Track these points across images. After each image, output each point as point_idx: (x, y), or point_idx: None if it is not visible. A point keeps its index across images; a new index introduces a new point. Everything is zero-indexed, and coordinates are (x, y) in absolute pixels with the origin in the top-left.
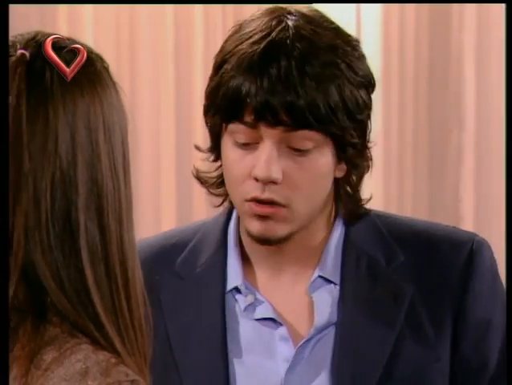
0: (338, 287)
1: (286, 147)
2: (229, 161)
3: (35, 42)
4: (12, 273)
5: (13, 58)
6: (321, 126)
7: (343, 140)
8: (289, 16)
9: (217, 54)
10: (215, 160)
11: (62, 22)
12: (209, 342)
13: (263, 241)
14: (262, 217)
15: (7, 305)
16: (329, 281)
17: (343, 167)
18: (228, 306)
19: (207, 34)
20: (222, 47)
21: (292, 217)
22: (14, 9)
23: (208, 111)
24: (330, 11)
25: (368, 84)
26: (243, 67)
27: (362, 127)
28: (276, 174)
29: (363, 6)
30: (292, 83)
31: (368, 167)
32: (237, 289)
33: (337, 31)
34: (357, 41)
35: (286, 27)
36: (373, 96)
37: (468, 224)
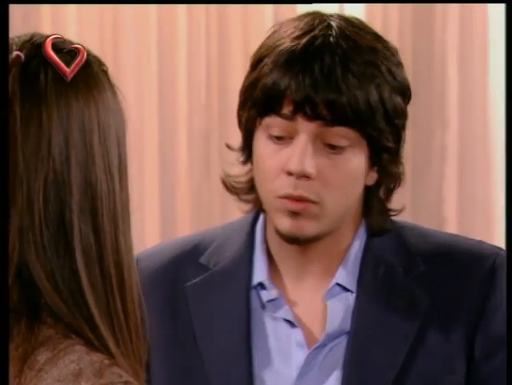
0: (354, 295)
1: (321, 144)
2: (262, 156)
3: (31, 44)
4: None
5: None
6: (359, 124)
7: (378, 143)
8: (331, 17)
9: (255, 52)
10: (245, 162)
11: (45, 22)
12: (233, 334)
13: (292, 239)
14: (293, 214)
15: (7, 305)
16: (346, 289)
17: (375, 175)
18: (252, 301)
19: (190, 35)
20: (261, 45)
21: (322, 216)
22: None
23: (243, 106)
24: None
25: (405, 92)
26: (284, 61)
27: (397, 134)
28: (310, 168)
29: (346, 6)
30: (335, 79)
31: (400, 180)
32: (261, 285)
33: (377, 36)
34: (395, 49)
35: (329, 26)
36: None
37: (451, 225)
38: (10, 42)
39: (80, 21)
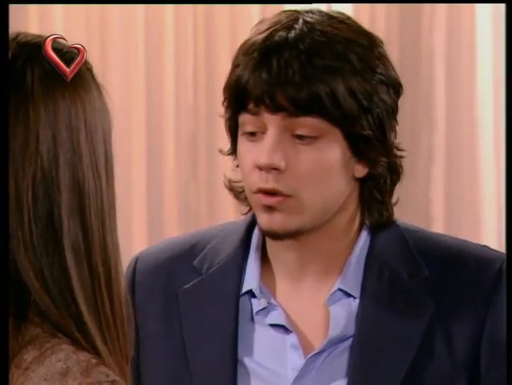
0: (357, 301)
1: (291, 136)
2: (240, 154)
3: (16, 43)
4: None
5: None
6: (323, 113)
7: (351, 132)
8: (307, 13)
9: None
10: (238, 165)
11: (32, 22)
12: (219, 342)
13: (272, 234)
14: (269, 209)
15: (7, 305)
16: (349, 295)
17: (363, 167)
18: (242, 309)
19: (178, 35)
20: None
21: (300, 209)
22: None
23: (224, 107)
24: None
25: (390, 83)
26: (246, 58)
27: (377, 122)
28: (278, 161)
29: (333, 5)
30: (292, 71)
31: (397, 172)
32: (252, 293)
33: (358, 29)
34: (379, 41)
35: (297, 21)
36: None
37: (438, 226)
38: None
39: (67, 21)
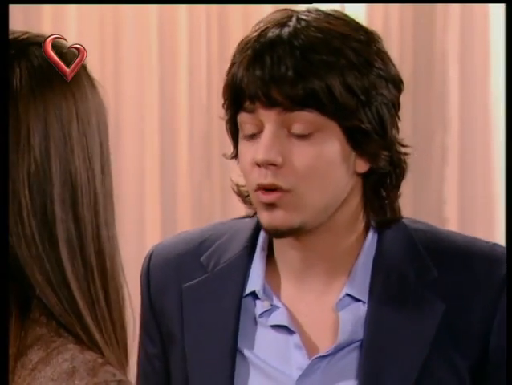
0: (366, 305)
1: (288, 132)
2: (240, 155)
3: None
4: None
5: None
6: (317, 105)
7: (348, 124)
8: (302, 12)
9: None
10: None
11: (46, 22)
12: (219, 342)
13: (274, 232)
14: (270, 206)
15: (7, 305)
16: (357, 300)
17: (364, 162)
18: (245, 310)
19: (191, 34)
20: None
21: (300, 205)
22: None
23: (224, 110)
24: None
25: (389, 78)
26: (240, 56)
27: (376, 115)
28: (274, 156)
29: (347, 6)
30: (285, 64)
31: (402, 168)
32: (255, 295)
33: (355, 25)
34: (377, 38)
35: (291, 19)
36: None
37: (452, 226)
38: None
39: (81, 21)
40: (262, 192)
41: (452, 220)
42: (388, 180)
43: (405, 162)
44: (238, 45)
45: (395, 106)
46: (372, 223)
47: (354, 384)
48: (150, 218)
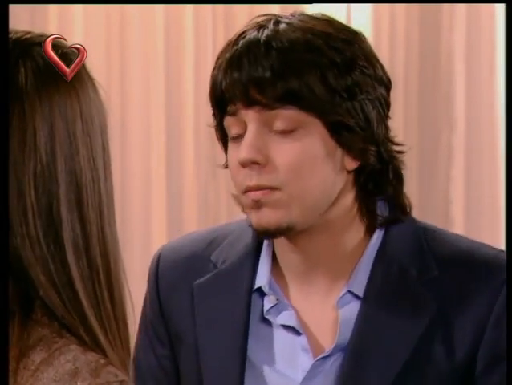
0: (361, 300)
1: (270, 130)
2: (228, 160)
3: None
4: None
5: None
6: (296, 102)
7: (329, 119)
8: (284, 16)
9: None
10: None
11: (52, 22)
12: (229, 340)
13: (263, 232)
14: (257, 204)
15: (7, 305)
16: (358, 297)
17: (351, 159)
18: (254, 306)
19: (197, 35)
20: None
21: (287, 203)
22: None
23: (213, 116)
24: (320, 12)
25: (373, 77)
26: (220, 59)
27: (359, 110)
28: (255, 154)
29: (353, 6)
30: (261, 66)
31: (391, 163)
32: (262, 290)
33: (339, 26)
34: (364, 37)
35: (269, 22)
36: None
37: (458, 226)
38: None
39: (87, 21)
40: (250, 192)
41: (458, 220)
42: (380, 178)
43: (398, 160)
44: (221, 50)
45: (381, 103)
46: (379, 221)
47: None
48: (156, 218)
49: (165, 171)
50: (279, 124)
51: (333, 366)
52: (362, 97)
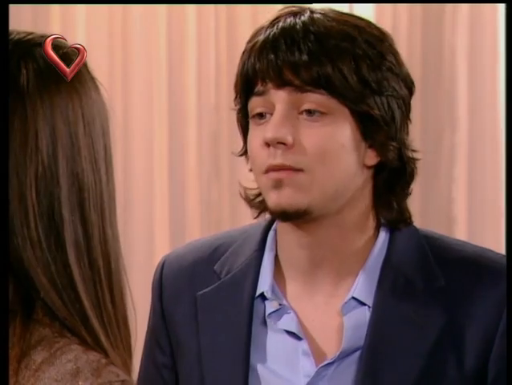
0: (371, 310)
1: (298, 114)
2: (250, 141)
3: (10, 41)
4: None
5: None
6: (328, 87)
7: (358, 108)
8: (312, 8)
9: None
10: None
11: (54, 22)
12: (233, 349)
13: (280, 213)
14: (278, 184)
15: (7, 305)
16: (362, 304)
17: (373, 154)
18: (256, 312)
19: (200, 35)
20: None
21: (310, 186)
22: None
23: (235, 101)
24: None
25: (400, 75)
26: (252, 43)
27: (385, 105)
28: (284, 134)
29: (355, 5)
30: (298, 49)
31: (408, 163)
32: (264, 296)
33: (369, 22)
34: (392, 39)
35: (305, 11)
36: None
37: (461, 226)
38: None
39: (89, 21)
40: (272, 171)
41: (460, 220)
42: (397, 177)
43: (414, 163)
44: (252, 36)
45: (405, 104)
46: (383, 221)
47: None
48: (159, 218)
49: (168, 171)
50: (308, 106)
51: (337, 371)
52: (389, 93)
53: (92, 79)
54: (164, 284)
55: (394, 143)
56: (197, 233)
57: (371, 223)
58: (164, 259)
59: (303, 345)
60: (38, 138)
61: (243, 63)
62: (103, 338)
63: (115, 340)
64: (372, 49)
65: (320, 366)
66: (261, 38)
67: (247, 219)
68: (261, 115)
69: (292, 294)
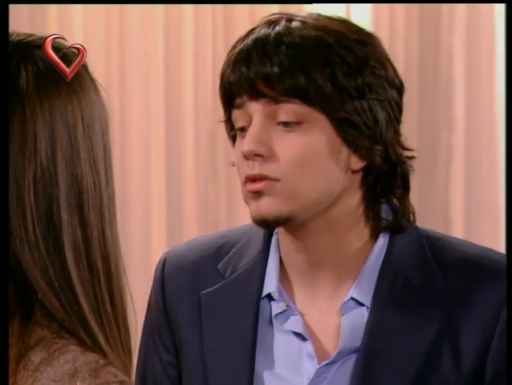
0: (369, 310)
1: (276, 124)
2: (235, 152)
3: (10, 42)
4: None
5: None
6: (303, 97)
7: (335, 115)
8: (298, 14)
9: None
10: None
11: (52, 22)
12: (237, 346)
13: (261, 222)
14: (256, 195)
15: (7, 305)
16: (361, 304)
17: (357, 158)
18: (262, 312)
19: (197, 35)
20: None
21: (289, 194)
22: None
23: (223, 114)
24: (320, 12)
25: (384, 78)
26: (230, 55)
27: (367, 109)
28: (258, 147)
29: (353, 6)
30: (270, 61)
31: (399, 166)
32: (271, 297)
33: (352, 26)
34: (377, 39)
35: (281, 20)
36: None
37: (458, 227)
38: None
39: (86, 21)
40: (250, 183)
41: (457, 221)
42: (388, 181)
43: (407, 163)
44: (232, 46)
45: (392, 106)
46: (383, 224)
47: None
48: (156, 218)
49: (165, 172)
50: (284, 117)
51: (337, 373)
52: (371, 97)
53: (92, 80)
54: (166, 281)
55: (379, 147)
56: (194, 233)
57: (366, 225)
58: (165, 256)
59: (308, 346)
60: (37, 140)
61: (221, 76)
62: (102, 341)
63: (115, 342)
64: (351, 54)
65: (319, 366)
66: (236, 50)
67: (244, 219)
68: (243, 129)
69: (297, 296)
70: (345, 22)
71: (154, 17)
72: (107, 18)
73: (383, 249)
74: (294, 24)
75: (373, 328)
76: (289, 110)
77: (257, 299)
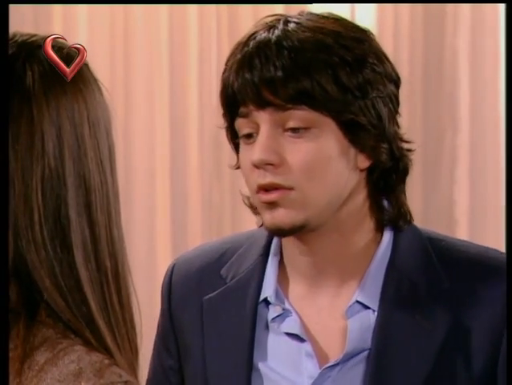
0: (376, 313)
1: (283, 131)
2: (241, 161)
3: (14, 43)
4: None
5: None
6: (309, 102)
7: (342, 118)
8: (292, 15)
9: None
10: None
11: (56, 22)
12: (235, 350)
13: (276, 231)
14: (271, 205)
15: (7, 305)
16: (367, 307)
17: (364, 157)
18: (260, 316)
19: (201, 35)
20: None
21: (303, 202)
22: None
23: (223, 117)
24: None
25: (384, 74)
26: (231, 61)
27: (371, 108)
28: (269, 156)
29: (357, 6)
30: (273, 65)
31: (401, 160)
32: (268, 301)
33: (348, 24)
34: (372, 35)
35: (279, 23)
36: None
37: (462, 227)
38: None
39: (91, 21)
40: (263, 193)
41: (462, 222)
42: (391, 175)
43: (407, 157)
44: (230, 51)
45: (392, 100)
46: (385, 222)
47: None
48: (160, 220)
49: (169, 173)
50: (292, 124)
51: (340, 373)
52: (373, 95)
53: (95, 80)
54: (173, 288)
55: (384, 145)
56: (198, 234)
57: (370, 223)
58: (173, 263)
59: (306, 347)
60: (45, 140)
61: (223, 82)
62: (109, 340)
63: (123, 342)
64: (350, 53)
65: (324, 367)
66: (237, 56)
67: (248, 221)
68: (249, 135)
69: (296, 298)
70: (339, 21)
71: (158, 17)
72: (112, 18)
73: (387, 251)
74: (292, 27)
75: (383, 330)
76: (297, 116)
77: (254, 304)
